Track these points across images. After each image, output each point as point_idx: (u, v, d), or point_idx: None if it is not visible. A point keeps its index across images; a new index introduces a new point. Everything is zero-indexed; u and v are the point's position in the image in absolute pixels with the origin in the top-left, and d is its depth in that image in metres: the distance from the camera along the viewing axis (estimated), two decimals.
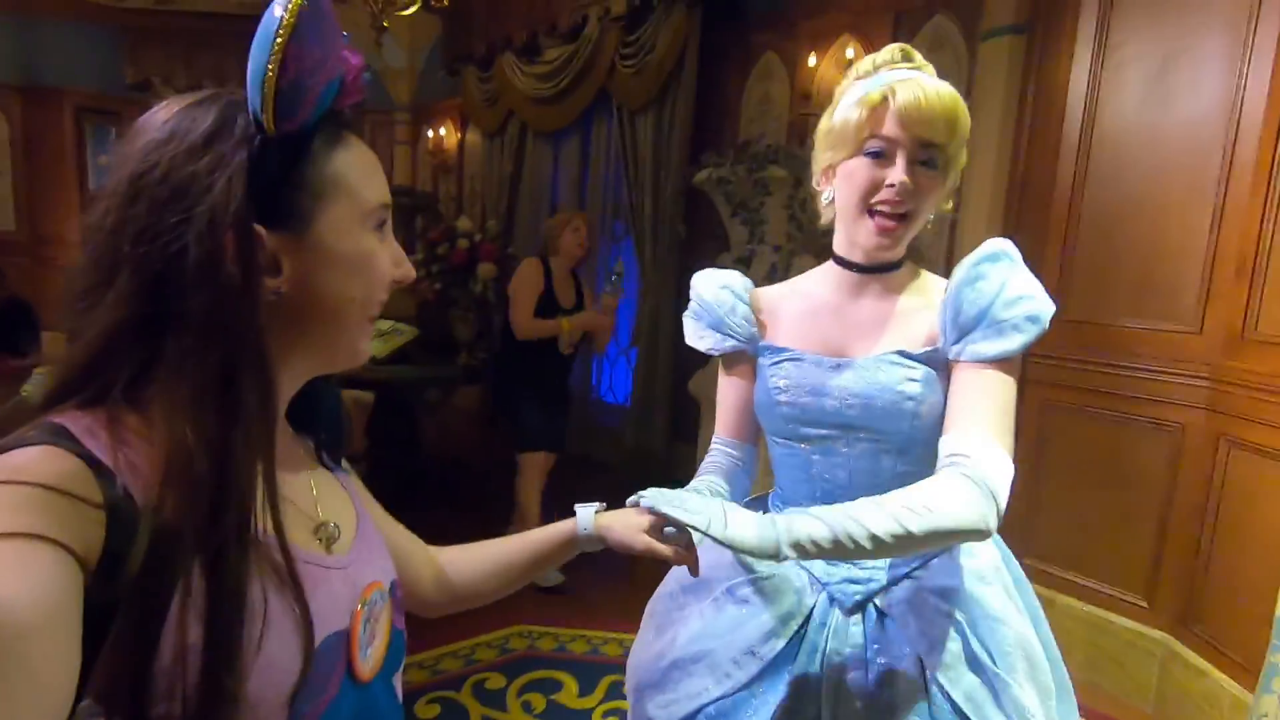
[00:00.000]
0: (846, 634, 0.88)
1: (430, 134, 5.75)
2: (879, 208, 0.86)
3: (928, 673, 0.84)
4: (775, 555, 0.72)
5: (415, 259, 4.79)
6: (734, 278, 1.04)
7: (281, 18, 0.46)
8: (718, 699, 0.88)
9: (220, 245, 0.46)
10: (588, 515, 0.80)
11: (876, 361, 0.89)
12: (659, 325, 3.81)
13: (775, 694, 0.87)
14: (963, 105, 0.85)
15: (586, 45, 3.98)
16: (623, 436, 4.00)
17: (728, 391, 1.03)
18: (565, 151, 4.63)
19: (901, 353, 0.88)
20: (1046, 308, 0.82)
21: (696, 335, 1.04)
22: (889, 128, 0.84)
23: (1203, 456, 2.00)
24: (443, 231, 4.29)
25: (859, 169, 0.86)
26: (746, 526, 0.73)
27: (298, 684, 0.47)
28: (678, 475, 3.71)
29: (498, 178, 4.94)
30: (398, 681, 0.62)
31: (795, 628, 0.90)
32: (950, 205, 0.93)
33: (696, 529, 0.73)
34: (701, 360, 3.17)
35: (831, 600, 0.91)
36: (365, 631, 0.56)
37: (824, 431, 0.91)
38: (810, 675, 0.88)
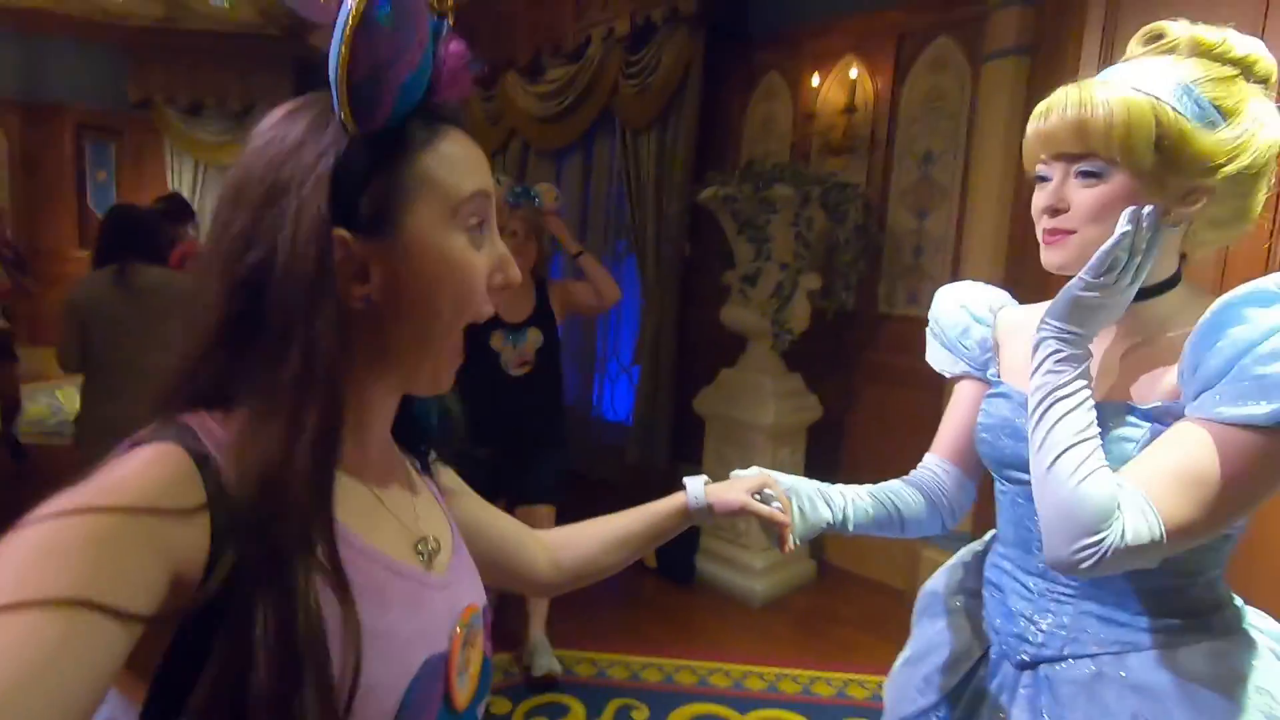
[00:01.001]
0: (1015, 690, 0.85)
1: None
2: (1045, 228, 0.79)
3: None
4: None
5: None
6: (977, 295, 1.01)
7: (350, 6, 0.43)
8: (905, 717, 0.94)
9: (304, 250, 0.45)
10: (698, 486, 0.84)
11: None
12: (660, 343, 3.79)
13: None
14: (1122, 105, 0.70)
15: (590, 65, 4.01)
16: (624, 454, 3.97)
17: (952, 411, 1.01)
18: (567, 170, 4.64)
19: (1124, 405, 0.76)
20: None
21: (931, 353, 1.04)
22: (1044, 152, 0.77)
23: None
24: None
25: (1034, 196, 0.80)
26: (820, 508, 0.90)
27: (398, 708, 0.46)
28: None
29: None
30: (480, 713, 0.60)
31: (966, 669, 0.90)
32: (1196, 209, 0.74)
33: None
34: (706, 378, 3.16)
35: (1001, 653, 0.88)
36: (462, 656, 0.54)
37: (1026, 476, 0.79)
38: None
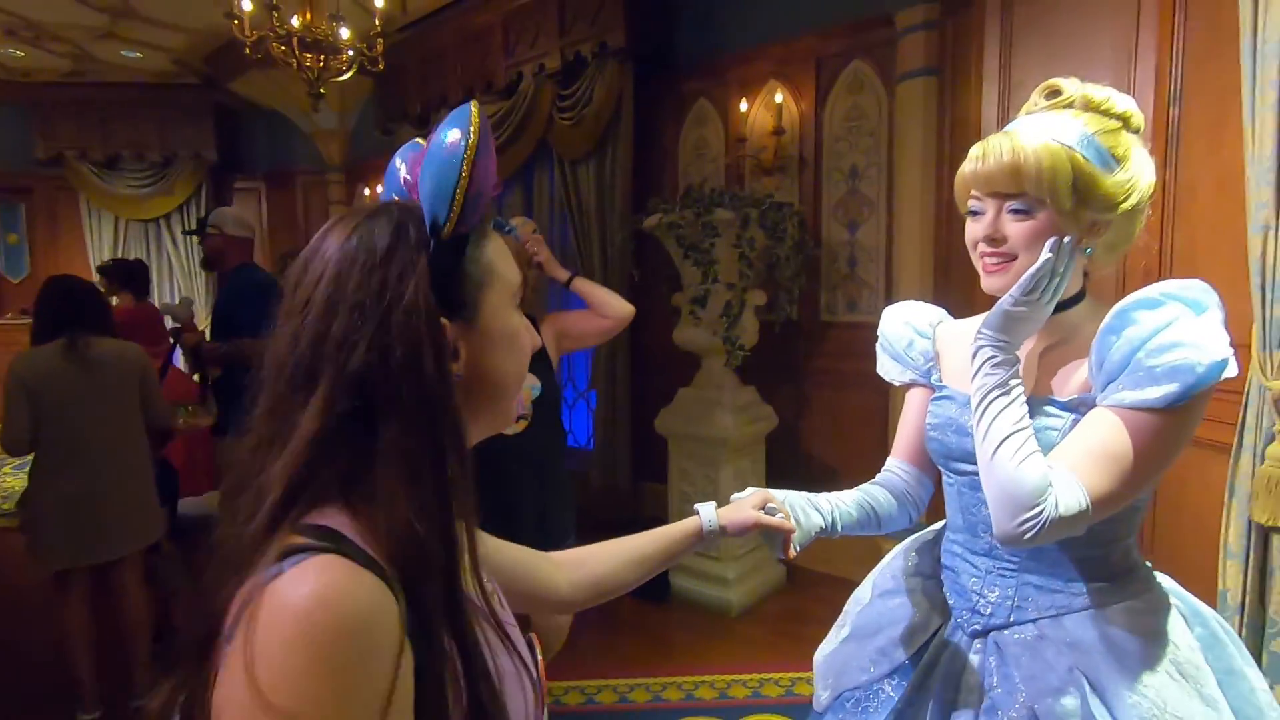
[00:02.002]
0: (967, 659, 0.95)
1: (366, 192, 5.73)
2: (985, 257, 0.91)
3: None
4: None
5: None
6: (919, 312, 1.14)
7: (466, 142, 0.53)
8: (856, 687, 1.03)
9: (418, 342, 0.51)
10: (710, 512, 0.93)
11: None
12: (616, 367, 3.86)
13: (894, 698, 1.00)
14: (1045, 151, 0.83)
15: (524, 100, 4.09)
16: (588, 479, 4.01)
17: (906, 418, 1.14)
18: (508, 202, 4.68)
19: (1047, 399, 0.90)
20: (1206, 357, 0.76)
21: (881, 365, 1.16)
22: (972, 188, 0.90)
23: None
24: None
25: (967, 227, 0.92)
26: (812, 515, 0.99)
27: None
28: (647, 514, 3.75)
29: None
30: None
31: (924, 640, 1.01)
32: (1102, 239, 0.89)
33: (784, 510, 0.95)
34: (664, 398, 3.25)
35: (955, 627, 0.99)
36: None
37: (970, 467, 0.93)
38: (927, 686, 0.98)
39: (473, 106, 0.56)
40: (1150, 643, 0.87)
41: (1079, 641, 0.88)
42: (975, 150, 0.89)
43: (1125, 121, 0.89)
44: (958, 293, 2.61)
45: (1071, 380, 0.90)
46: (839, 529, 1.05)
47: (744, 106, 3.38)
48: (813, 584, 3.12)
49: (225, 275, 2.99)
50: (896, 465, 1.13)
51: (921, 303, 1.17)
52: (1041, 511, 0.78)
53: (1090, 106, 0.89)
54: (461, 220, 0.54)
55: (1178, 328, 0.79)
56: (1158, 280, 0.86)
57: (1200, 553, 1.94)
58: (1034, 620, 0.91)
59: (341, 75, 3.55)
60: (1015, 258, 0.88)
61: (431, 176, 0.54)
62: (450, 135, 0.54)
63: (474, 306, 0.56)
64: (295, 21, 3.35)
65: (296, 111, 5.77)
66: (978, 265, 0.94)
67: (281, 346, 0.52)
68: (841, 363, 3.19)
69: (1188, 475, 2.04)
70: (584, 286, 2.08)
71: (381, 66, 3.66)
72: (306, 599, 0.42)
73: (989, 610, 0.95)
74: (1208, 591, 1.73)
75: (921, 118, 2.84)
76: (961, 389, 0.98)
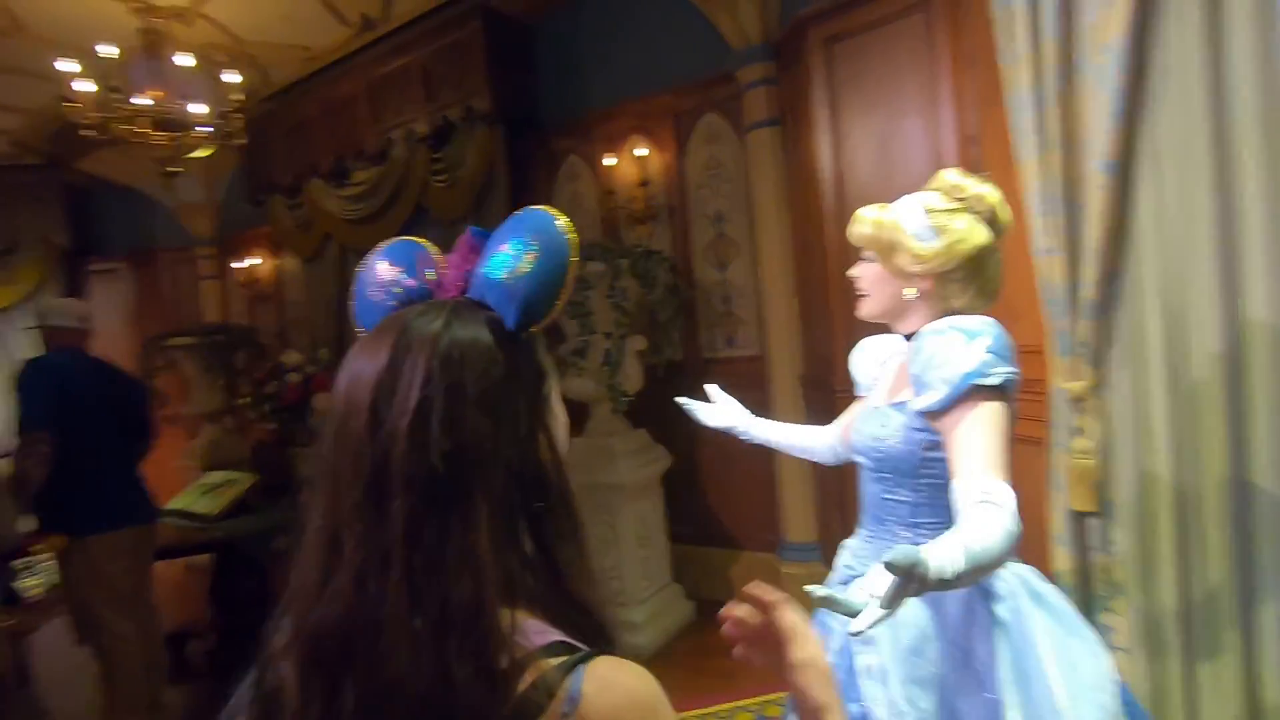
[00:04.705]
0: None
1: (240, 265, 5.50)
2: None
3: None
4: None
5: (244, 401, 4.50)
6: (882, 345, 1.41)
7: (567, 254, 0.56)
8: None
9: (539, 430, 0.56)
10: None
11: (877, 410, 1.26)
12: None
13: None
14: (878, 220, 1.20)
15: (397, 165, 4.09)
16: None
17: (844, 415, 1.50)
18: None
19: (891, 403, 1.22)
20: (959, 371, 1.04)
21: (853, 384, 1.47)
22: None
23: None
24: (270, 369, 4.10)
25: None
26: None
27: None
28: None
29: (322, 302, 4.81)
30: None
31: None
32: (919, 287, 1.20)
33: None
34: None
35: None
36: None
37: (857, 459, 1.29)
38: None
39: (553, 214, 0.57)
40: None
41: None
42: (855, 214, 1.26)
43: (946, 210, 1.18)
44: (818, 322, 2.81)
45: (900, 389, 1.23)
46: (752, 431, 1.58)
47: (610, 161, 3.53)
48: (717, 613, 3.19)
49: None
50: (834, 433, 1.50)
51: (881, 338, 1.43)
52: (1015, 525, 0.97)
53: (953, 192, 1.20)
54: (550, 323, 0.57)
55: (946, 350, 1.06)
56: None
57: (1032, 540, 2.14)
58: None
59: (197, 152, 3.45)
60: (864, 295, 1.26)
61: (530, 279, 0.55)
62: (537, 243, 0.56)
63: (547, 398, 0.59)
64: (144, 100, 3.24)
65: (156, 187, 5.50)
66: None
67: (391, 465, 0.49)
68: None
69: (1015, 469, 2.26)
70: None
71: (243, 141, 3.59)
72: (621, 708, 0.47)
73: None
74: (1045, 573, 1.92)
75: (771, 162, 3.07)
76: (873, 399, 1.33)
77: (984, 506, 0.96)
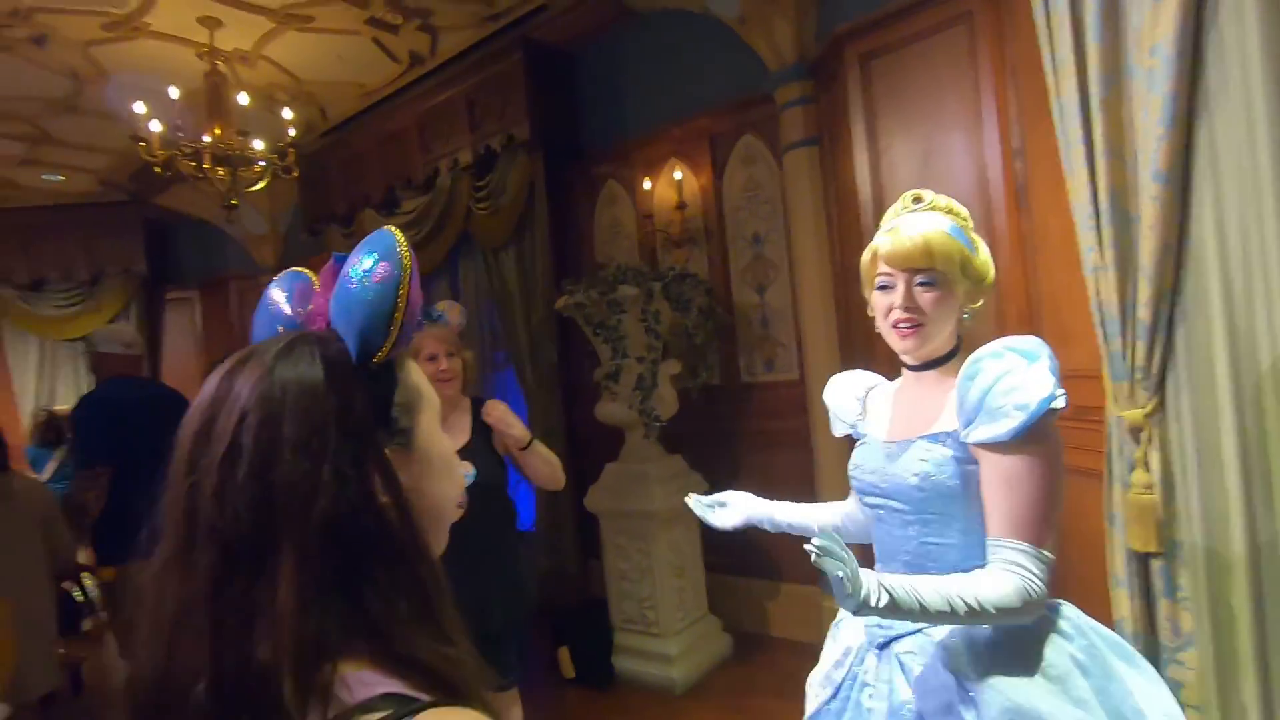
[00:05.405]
0: (876, 670, 1.13)
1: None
2: (899, 323, 1.10)
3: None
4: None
5: None
6: (853, 379, 1.35)
7: (401, 270, 0.53)
8: (812, 713, 1.21)
9: (377, 477, 0.49)
10: None
11: (903, 445, 1.12)
12: (552, 444, 3.84)
13: (837, 711, 1.17)
14: (941, 236, 1.07)
15: (442, 193, 4.20)
16: (535, 562, 3.92)
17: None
18: (437, 292, 4.74)
19: (925, 436, 1.10)
20: (1036, 396, 0.96)
21: (832, 425, 1.37)
22: (884, 266, 1.11)
23: None
24: None
25: (876, 299, 1.14)
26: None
27: None
28: (593, 592, 3.65)
29: None
30: None
31: (851, 661, 1.18)
32: (974, 306, 1.14)
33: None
34: (598, 475, 3.23)
35: (867, 644, 1.16)
36: None
37: (877, 501, 1.16)
38: (851, 699, 1.15)
39: (395, 234, 0.55)
40: (1017, 649, 1.01)
41: (949, 644, 1.05)
42: (886, 224, 1.13)
43: (968, 221, 1.15)
44: (861, 344, 2.70)
45: (934, 420, 1.11)
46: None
47: (648, 185, 3.53)
48: (758, 648, 3.07)
49: None
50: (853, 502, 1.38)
51: (860, 371, 1.39)
52: (1036, 592, 0.94)
53: (949, 209, 1.14)
54: (397, 345, 0.53)
55: (1014, 375, 0.99)
56: (1030, 322, 1.02)
57: (1095, 581, 1.97)
58: (922, 629, 1.09)
59: (254, 186, 3.62)
60: (925, 324, 1.09)
61: (362, 305, 0.52)
62: (378, 265, 0.53)
63: (409, 432, 0.54)
64: (206, 138, 3.43)
65: (224, 220, 5.82)
66: (886, 332, 1.13)
67: (199, 511, 0.46)
68: (766, 422, 3.23)
69: (1072, 503, 2.09)
70: (534, 458, 1.99)
71: (296, 174, 3.75)
72: None
73: (893, 628, 1.12)
74: (1107, 618, 1.75)
75: (809, 183, 3.00)
76: (875, 435, 1.22)
77: (1005, 573, 0.96)
